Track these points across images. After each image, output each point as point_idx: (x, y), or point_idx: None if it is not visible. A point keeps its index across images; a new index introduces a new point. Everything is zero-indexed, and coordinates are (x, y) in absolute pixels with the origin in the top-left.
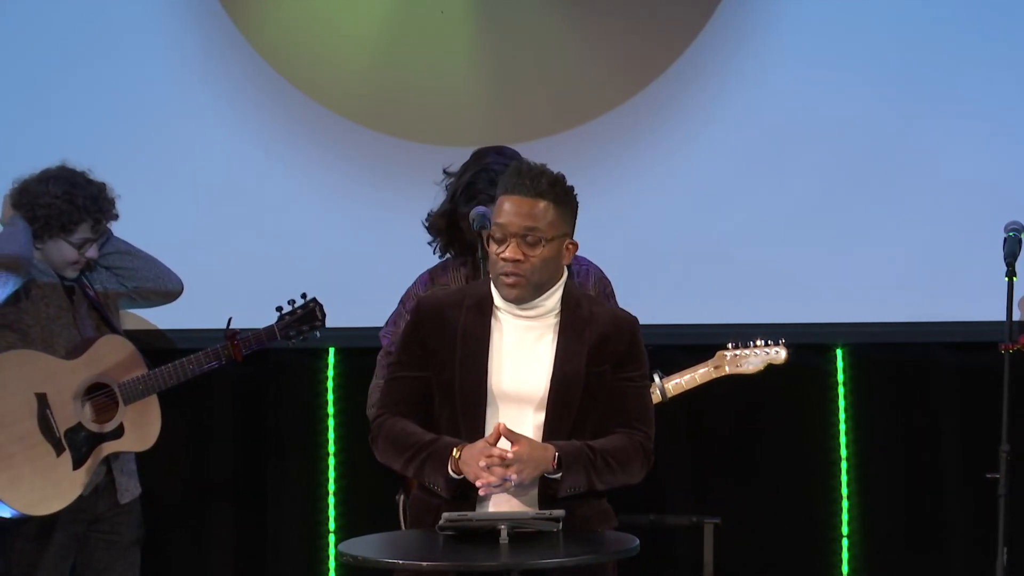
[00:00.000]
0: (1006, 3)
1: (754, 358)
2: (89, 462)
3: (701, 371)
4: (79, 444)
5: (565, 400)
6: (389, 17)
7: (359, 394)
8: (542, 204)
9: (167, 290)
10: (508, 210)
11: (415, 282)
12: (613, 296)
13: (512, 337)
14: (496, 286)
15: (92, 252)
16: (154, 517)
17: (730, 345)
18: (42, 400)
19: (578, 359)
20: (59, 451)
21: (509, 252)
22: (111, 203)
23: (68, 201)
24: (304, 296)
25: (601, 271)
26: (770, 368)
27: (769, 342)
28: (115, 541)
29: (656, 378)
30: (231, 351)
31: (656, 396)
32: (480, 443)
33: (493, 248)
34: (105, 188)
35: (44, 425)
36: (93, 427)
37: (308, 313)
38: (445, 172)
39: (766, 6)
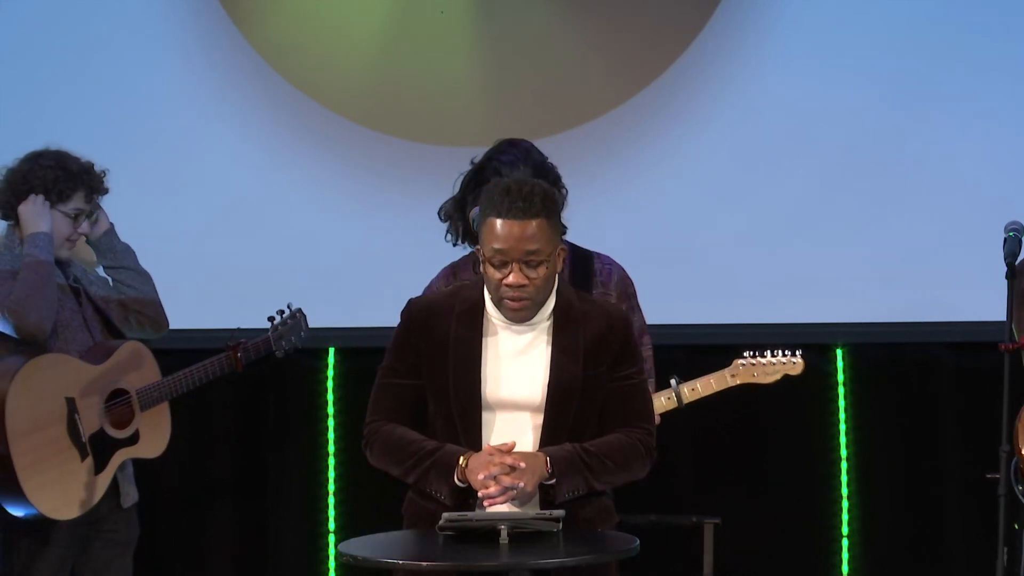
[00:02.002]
0: (1005, 3)
1: (771, 368)
2: (108, 468)
3: (717, 378)
4: (100, 449)
5: (563, 403)
6: (389, 17)
7: (359, 394)
8: (537, 223)
9: (158, 324)
10: (505, 235)
11: (437, 275)
12: (634, 297)
13: (505, 342)
14: (498, 307)
15: (85, 227)
16: (155, 517)
17: (747, 354)
18: (71, 405)
19: (574, 362)
20: (84, 456)
21: (513, 278)
22: (102, 176)
23: (63, 169)
24: (289, 306)
25: (624, 271)
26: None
27: (786, 352)
28: (115, 541)
29: (672, 383)
30: (233, 361)
31: (672, 402)
32: (485, 453)
33: (492, 272)
34: (93, 164)
35: (72, 430)
36: (112, 433)
37: (295, 324)
38: (472, 162)
39: (765, 7)
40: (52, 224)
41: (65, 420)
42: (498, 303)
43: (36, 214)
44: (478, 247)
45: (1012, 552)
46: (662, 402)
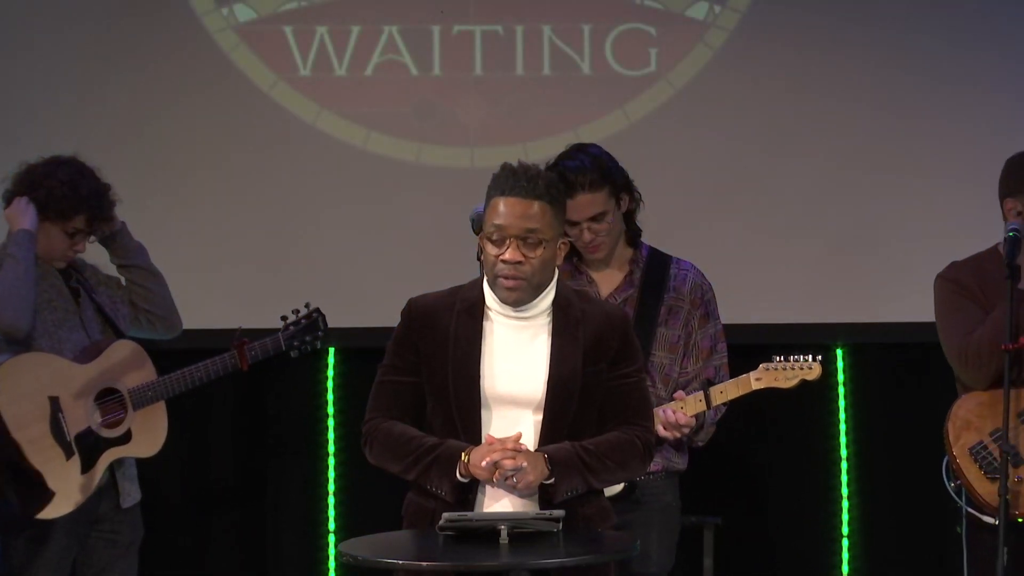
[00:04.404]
0: (1005, 7)
1: (790, 372)
2: (97, 467)
3: (742, 382)
4: (88, 448)
5: (563, 401)
6: (389, 16)
7: (359, 394)
8: (539, 205)
9: (170, 324)
10: (506, 211)
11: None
12: (710, 304)
13: (505, 339)
14: (493, 288)
15: (80, 247)
16: (156, 517)
17: (779, 358)
18: (55, 403)
19: (574, 360)
20: (68, 455)
21: (509, 254)
22: (111, 205)
23: (72, 188)
24: (307, 306)
25: (700, 279)
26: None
27: (806, 357)
28: (116, 541)
29: (700, 387)
30: (237, 360)
31: (701, 404)
32: (487, 443)
33: (490, 249)
34: (110, 189)
35: (55, 428)
36: (102, 432)
37: (312, 324)
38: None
39: (764, 7)
40: (36, 222)
41: (48, 419)
42: (493, 283)
43: (19, 212)
44: (480, 235)
45: (1011, 552)
46: (694, 404)
